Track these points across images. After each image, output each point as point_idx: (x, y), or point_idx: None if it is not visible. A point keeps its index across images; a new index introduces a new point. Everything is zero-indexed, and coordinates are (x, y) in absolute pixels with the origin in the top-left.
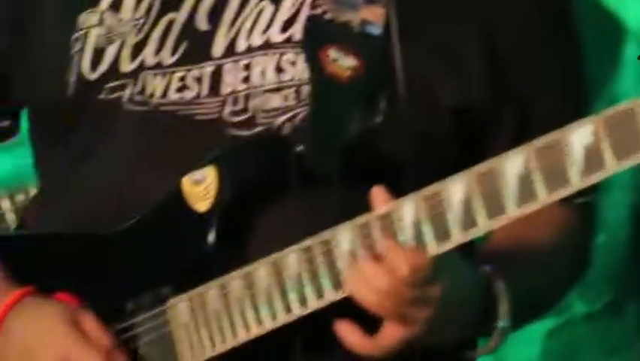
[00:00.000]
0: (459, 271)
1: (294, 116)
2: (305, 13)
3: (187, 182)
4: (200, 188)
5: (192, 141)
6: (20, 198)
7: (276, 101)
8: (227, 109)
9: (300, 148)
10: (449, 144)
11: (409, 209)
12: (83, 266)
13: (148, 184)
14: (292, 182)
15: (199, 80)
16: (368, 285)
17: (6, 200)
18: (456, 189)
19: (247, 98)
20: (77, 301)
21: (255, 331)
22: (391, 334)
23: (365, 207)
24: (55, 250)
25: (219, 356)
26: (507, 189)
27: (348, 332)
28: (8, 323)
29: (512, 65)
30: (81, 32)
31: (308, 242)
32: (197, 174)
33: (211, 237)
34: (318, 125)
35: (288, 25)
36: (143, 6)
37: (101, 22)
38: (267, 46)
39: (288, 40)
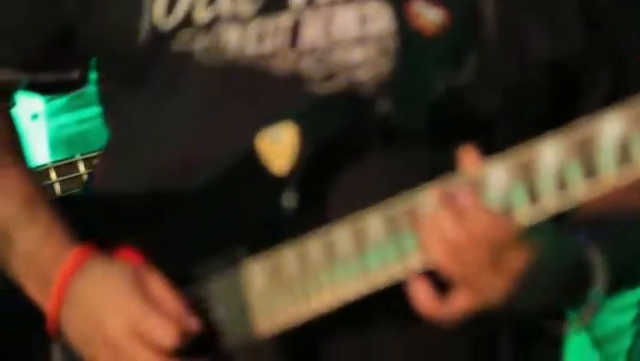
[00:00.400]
0: (549, 239)
1: (377, 71)
2: None
3: (263, 140)
4: (277, 147)
5: (269, 96)
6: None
7: (357, 54)
8: (306, 63)
9: (384, 106)
10: (540, 101)
11: (498, 172)
12: (151, 226)
13: (221, 141)
14: (375, 142)
15: (277, 32)
16: (446, 244)
17: (53, 171)
18: (550, 152)
19: (327, 51)
20: (141, 257)
21: (336, 298)
22: (462, 299)
23: (451, 168)
24: (122, 208)
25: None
26: (606, 155)
27: (418, 290)
28: (74, 286)
29: (609, 21)
30: None
31: (391, 205)
32: (273, 132)
33: (287, 199)
34: (402, 82)
35: None
36: None
37: None
38: None
39: None
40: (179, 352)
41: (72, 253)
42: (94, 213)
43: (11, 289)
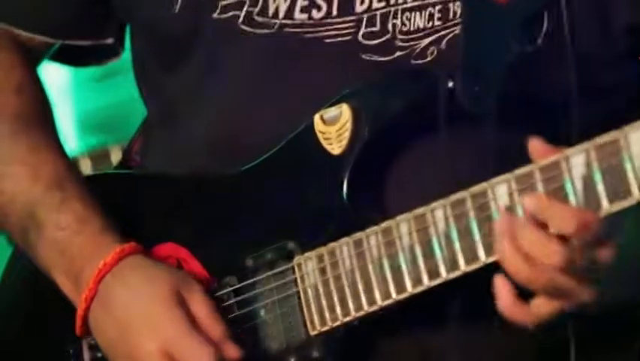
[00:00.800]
0: (630, 225)
1: (439, 39)
2: None
3: (319, 120)
4: (334, 127)
5: (322, 67)
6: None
7: (418, 21)
8: (362, 30)
9: (448, 79)
10: (622, 70)
11: (578, 159)
12: (196, 213)
13: (269, 118)
14: (440, 121)
15: None
16: (524, 257)
17: (87, 160)
18: (637, 138)
19: (385, 17)
20: (186, 254)
21: (395, 296)
22: (547, 306)
23: (524, 152)
24: (162, 191)
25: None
26: None
27: (502, 291)
28: (108, 288)
29: None
30: None
31: (458, 195)
32: (330, 112)
33: (344, 184)
34: (469, 51)
35: None
36: None
37: None
38: None
39: None
40: None
41: (110, 250)
42: (130, 194)
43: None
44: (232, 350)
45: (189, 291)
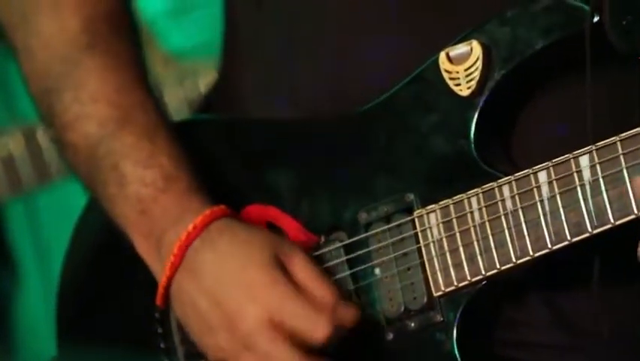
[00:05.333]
0: None
1: None
2: None
3: (445, 58)
4: (462, 66)
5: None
6: None
7: None
8: None
9: (596, 17)
10: None
11: None
12: (299, 161)
13: (383, 49)
14: (580, 60)
15: None
16: None
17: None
18: None
19: None
20: (276, 212)
21: (532, 253)
22: None
23: None
24: (260, 137)
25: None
26: None
27: None
28: (196, 254)
29: None
30: None
31: (607, 140)
32: (458, 49)
33: (472, 129)
34: None
35: None
36: None
37: None
38: None
39: None
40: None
41: (198, 213)
42: (224, 142)
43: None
44: (349, 312)
45: (288, 255)
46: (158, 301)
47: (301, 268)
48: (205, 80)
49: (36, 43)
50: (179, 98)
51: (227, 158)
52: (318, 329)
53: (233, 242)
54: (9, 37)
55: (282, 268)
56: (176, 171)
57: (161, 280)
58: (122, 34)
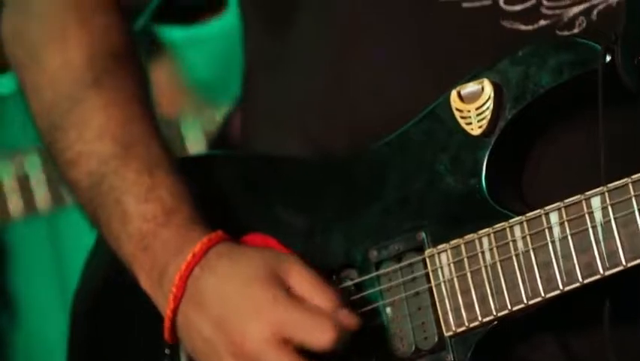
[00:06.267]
0: None
1: (589, 9)
2: None
3: (456, 96)
4: (474, 105)
5: (457, 35)
6: None
7: None
8: None
9: (608, 57)
10: None
11: None
12: (310, 197)
13: (395, 90)
14: (592, 97)
15: None
16: None
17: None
18: None
19: None
20: (278, 245)
21: (543, 294)
22: None
23: None
24: (265, 176)
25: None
26: None
27: None
28: (198, 282)
29: None
30: None
31: (619, 181)
32: (469, 87)
33: (484, 168)
34: (632, 19)
35: None
36: None
37: None
38: None
39: None
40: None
41: (196, 243)
42: (228, 178)
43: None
44: (349, 318)
45: (286, 269)
46: (166, 335)
47: (300, 280)
48: (223, 112)
49: (42, 81)
50: (196, 129)
51: (239, 194)
52: (322, 335)
53: (232, 264)
54: (17, 77)
55: (282, 284)
56: (177, 204)
57: (166, 313)
58: (127, 70)
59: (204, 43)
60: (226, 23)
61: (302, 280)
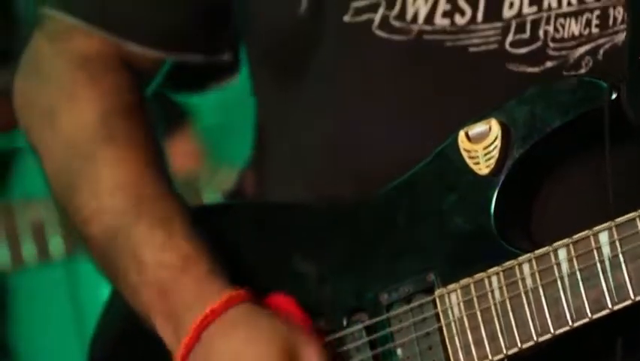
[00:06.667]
0: None
1: (595, 49)
2: None
3: (464, 137)
4: (481, 145)
5: (464, 79)
6: None
7: (574, 28)
8: (510, 38)
9: (614, 95)
10: None
11: None
12: (320, 242)
13: (404, 134)
14: (599, 136)
15: (474, 0)
16: None
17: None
18: None
19: (536, 23)
20: (295, 307)
21: (553, 331)
22: None
23: None
24: (276, 224)
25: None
26: None
27: None
28: (211, 338)
29: None
30: None
31: (626, 216)
32: (477, 128)
33: (492, 208)
34: (637, 61)
35: None
36: None
37: None
38: None
39: None
40: None
41: (216, 296)
42: (243, 227)
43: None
44: None
45: (301, 349)
46: None
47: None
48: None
49: (55, 141)
50: (213, 189)
51: (251, 242)
52: None
53: (249, 330)
54: (30, 139)
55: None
56: (194, 253)
57: (177, 358)
58: (139, 127)
59: (220, 108)
60: (240, 87)
61: None
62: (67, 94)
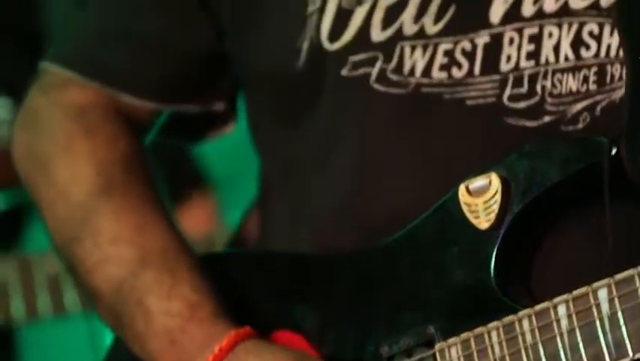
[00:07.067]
0: None
1: (593, 105)
2: None
3: (465, 191)
4: (481, 199)
5: (462, 132)
6: None
7: (571, 83)
8: (508, 91)
9: (613, 150)
10: None
11: None
12: (322, 294)
13: (403, 187)
14: (598, 192)
15: (471, 53)
16: None
17: None
18: None
19: (534, 77)
20: (306, 344)
21: None
22: None
23: None
24: (280, 273)
25: None
26: None
27: None
28: None
29: None
30: None
31: (625, 273)
32: (477, 182)
33: (492, 262)
34: (636, 113)
35: None
36: None
37: None
38: (564, 12)
39: (592, 7)
40: None
41: (223, 336)
42: (246, 275)
43: None
44: None
45: None
46: None
47: None
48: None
49: (54, 195)
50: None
51: (256, 290)
52: None
53: None
54: (31, 193)
55: None
56: (200, 298)
57: None
58: (137, 177)
59: (230, 158)
60: (239, 135)
61: None
62: (63, 146)
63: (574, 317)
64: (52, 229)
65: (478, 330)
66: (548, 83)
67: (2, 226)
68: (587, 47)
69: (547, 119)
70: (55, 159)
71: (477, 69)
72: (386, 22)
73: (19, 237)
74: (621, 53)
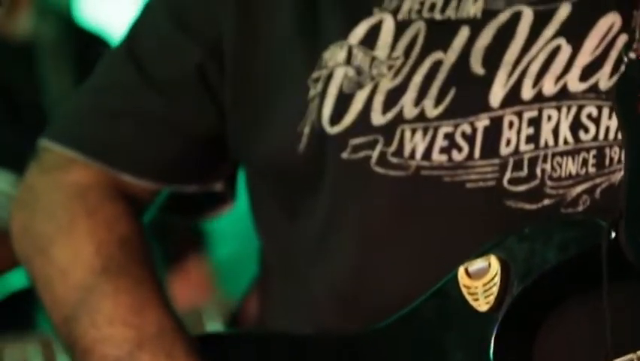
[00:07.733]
0: None
1: (592, 188)
2: (614, 55)
3: (464, 273)
4: (481, 282)
5: (462, 214)
6: None
7: (571, 167)
8: (508, 175)
9: (613, 234)
10: None
11: None
12: None
13: (404, 271)
14: (598, 277)
15: (471, 137)
16: None
17: None
18: None
19: (533, 161)
20: None
21: None
22: None
23: None
24: (279, 354)
25: None
26: None
27: None
28: None
29: None
30: (324, 71)
31: (626, 357)
32: (476, 264)
33: (491, 345)
34: (635, 197)
35: (590, 70)
36: (403, 42)
37: (349, 61)
38: (563, 95)
39: (591, 90)
40: None
41: None
42: (244, 355)
43: None
44: None
45: None
46: None
47: None
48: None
49: (53, 273)
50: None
51: None
52: None
53: None
54: (28, 272)
55: None
56: None
57: None
58: (135, 257)
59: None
60: (239, 214)
61: None
62: (66, 226)
63: None
64: (50, 307)
65: None
66: (548, 167)
67: (19, 304)
68: (586, 130)
69: (546, 202)
70: (55, 239)
71: (477, 153)
72: (386, 106)
73: (36, 316)
74: (619, 135)
